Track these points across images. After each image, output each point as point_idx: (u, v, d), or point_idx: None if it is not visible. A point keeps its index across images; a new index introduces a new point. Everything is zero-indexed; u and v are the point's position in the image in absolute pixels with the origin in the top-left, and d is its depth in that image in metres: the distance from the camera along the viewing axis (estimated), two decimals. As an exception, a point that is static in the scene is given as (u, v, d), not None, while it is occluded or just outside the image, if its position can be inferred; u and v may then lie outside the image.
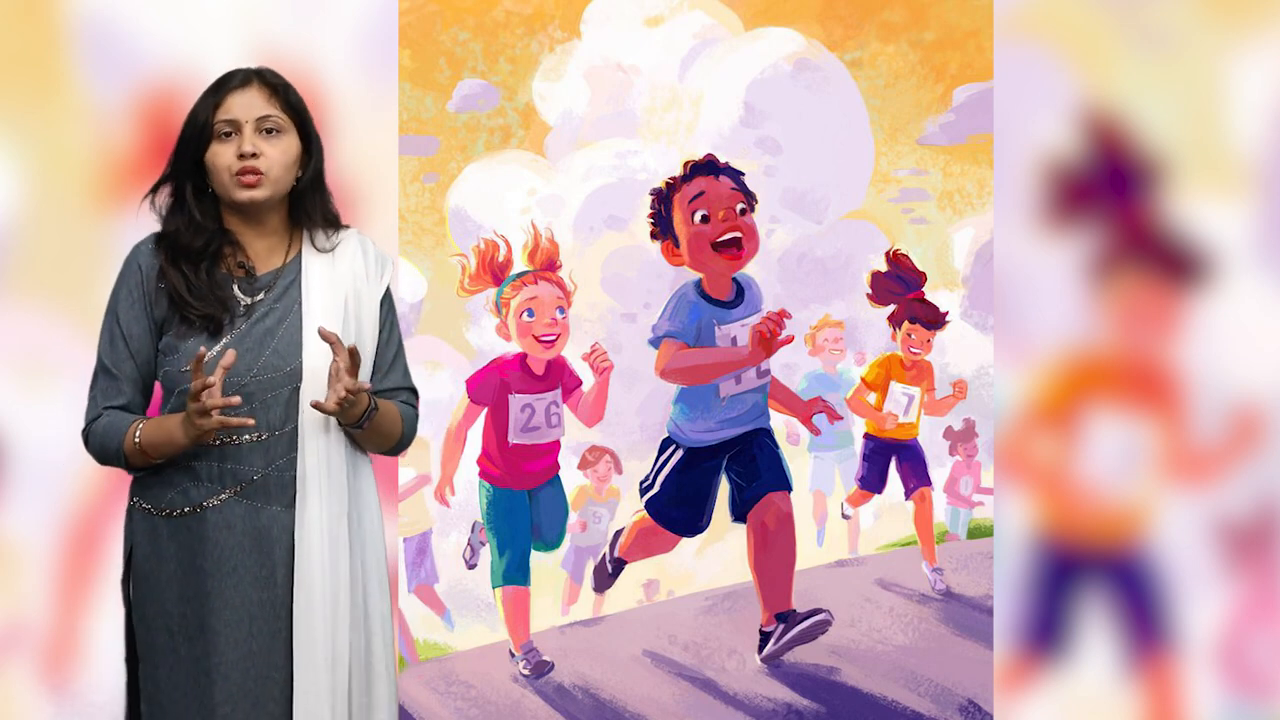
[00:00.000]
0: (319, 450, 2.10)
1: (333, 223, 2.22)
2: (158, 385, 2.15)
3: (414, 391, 2.29)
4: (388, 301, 2.24)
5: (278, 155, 2.12)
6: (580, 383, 3.51)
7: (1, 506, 3.07)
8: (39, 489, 3.06)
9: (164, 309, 2.11)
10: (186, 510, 2.08)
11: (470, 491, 3.54)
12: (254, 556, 2.08)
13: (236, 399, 2.00)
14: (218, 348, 2.07)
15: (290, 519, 2.09)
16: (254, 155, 2.09)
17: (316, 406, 2.03)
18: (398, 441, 2.23)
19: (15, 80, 3.11)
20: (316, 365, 2.10)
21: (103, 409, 2.11)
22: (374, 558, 2.16)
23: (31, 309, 3.09)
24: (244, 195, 2.10)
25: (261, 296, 2.14)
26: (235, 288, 2.13)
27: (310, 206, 2.19)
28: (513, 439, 3.42)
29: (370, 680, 2.15)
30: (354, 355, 2.04)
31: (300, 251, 2.18)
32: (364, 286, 2.19)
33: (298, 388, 2.10)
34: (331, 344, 2.04)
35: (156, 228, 2.17)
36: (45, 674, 3.09)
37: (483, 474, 3.48)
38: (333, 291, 2.15)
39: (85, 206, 3.11)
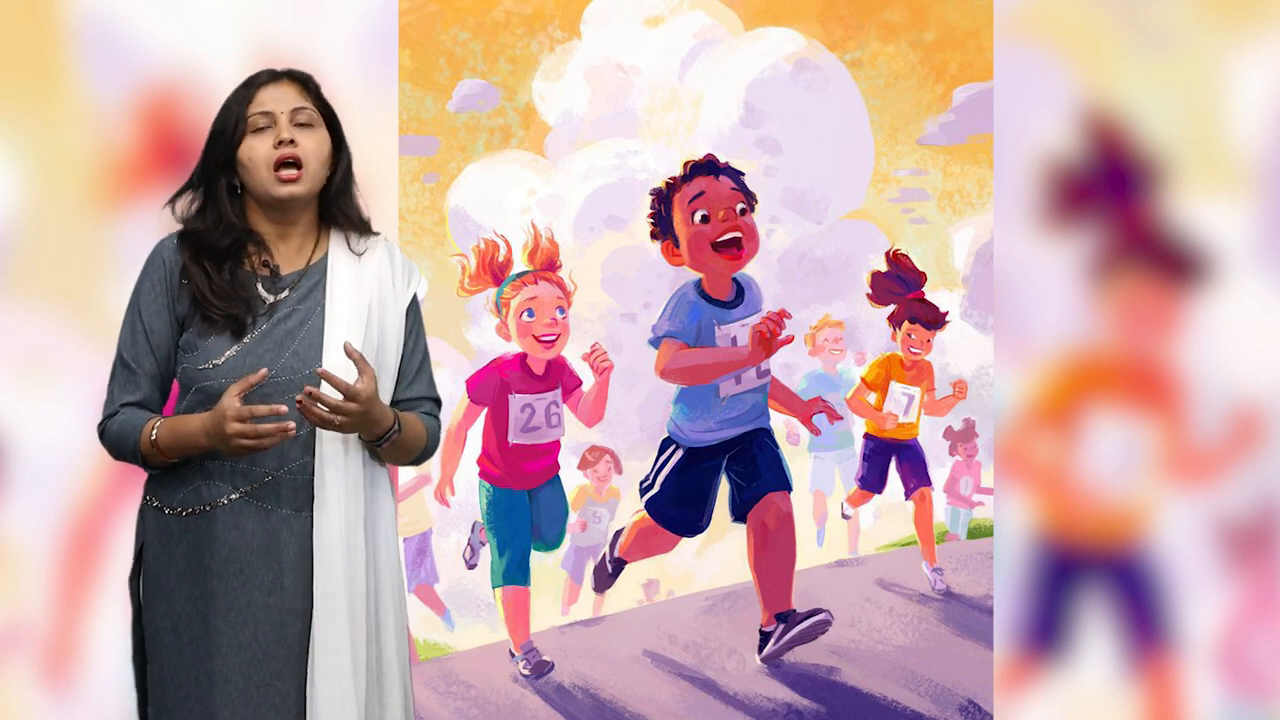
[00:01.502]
0: (337, 454, 2.07)
1: (365, 227, 2.19)
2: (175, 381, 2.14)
3: (437, 401, 2.25)
4: (414, 310, 2.21)
5: (313, 147, 2.09)
6: (580, 383, 3.51)
7: (2, 506, 3.07)
8: (39, 489, 3.05)
9: (186, 306, 2.09)
10: (197, 509, 2.06)
11: (470, 491, 3.54)
12: (262, 560, 2.05)
13: (290, 426, 1.97)
14: (237, 347, 2.05)
15: (301, 523, 2.06)
16: (292, 143, 2.06)
17: (302, 404, 1.98)
18: (419, 454, 2.20)
19: (15, 80, 3.11)
20: (336, 369, 2.05)
21: (120, 405, 2.09)
22: (388, 564, 2.14)
23: (31, 309, 3.08)
24: (284, 191, 2.07)
25: (285, 295, 2.11)
26: (259, 286, 2.11)
27: (345, 207, 2.16)
28: (513, 439, 3.42)
29: (383, 688, 2.13)
30: (365, 380, 2.01)
31: (326, 253, 2.15)
32: (389, 294, 2.16)
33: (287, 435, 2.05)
34: (355, 361, 2.01)
35: (163, 229, 2.15)
36: (45, 674, 3.08)
37: (483, 474, 3.49)
38: (357, 296, 2.12)
39: (85, 206, 3.11)
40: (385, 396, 2.14)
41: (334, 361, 2.07)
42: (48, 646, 3.09)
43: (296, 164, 2.06)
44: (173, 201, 2.13)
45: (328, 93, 2.19)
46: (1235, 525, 2.83)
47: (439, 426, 2.24)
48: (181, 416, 2.06)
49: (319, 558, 2.04)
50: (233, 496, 2.05)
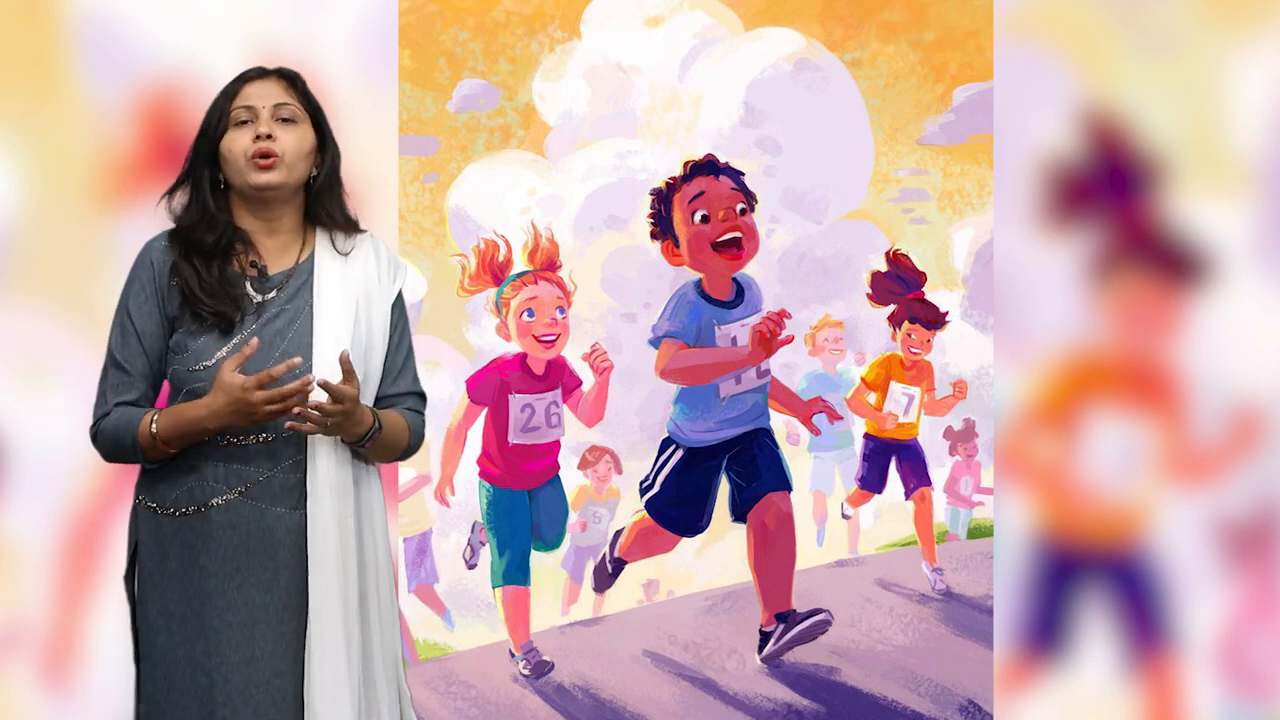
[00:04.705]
0: (328, 451, 2.08)
1: (352, 226, 2.20)
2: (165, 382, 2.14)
3: (421, 396, 2.27)
4: (399, 306, 2.23)
5: (293, 142, 2.10)
6: (580, 383, 3.51)
7: (2, 506, 3.07)
8: (39, 489, 3.06)
9: (176, 306, 2.10)
10: (191, 509, 2.07)
11: (470, 491, 3.54)
12: (258, 558, 2.07)
13: (310, 378, 2.00)
14: (227, 348, 2.06)
15: (295, 521, 2.07)
16: (269, 137, 2.08)
17: (302, 417, 2.01)
18: (404, 451, 2.21)
19: (15, 80, 3.11)
20: (327, 367, 2.07)
21: (114, 405, 2.09)
22: (373, 559, 2.15)
23: (31, 309, 3.09)
24: (259, 178, 2.08)
25: (273, 295, 2.12)
26: (247, 285, 2.12)
27: (329, 206, 2.17)
28: (513, 439, 3.42)
29: (369, 682, 2.13)
30: (350, 387, 2.03)
31: (313, 252, 2.16)
32: (375, 290, 2.18)
33: (307, 390, 2.09)
34: (345, 371, 2.03)
35: (163, 227, 2.16)
36: (45, 674, 3.08)
37: (483, 474, 3.48)
38: (345, 294, 2.14)
39: (85, 206, 3.11)
40: (370, 392, 2.16)
41: (324, 358, 2.08)
42: (48, 646, 3.09)
43: (272, 154, 2.08)
44: (168, 196, 2.15)
45: (327, 93, 2.20)
46: (1235, 525, 2.83)
47: (423, 422, 2.26)
48: (179, 405, 2.07)
49: (313, 554, 2.06)
50: (228, 496, 2.06)
